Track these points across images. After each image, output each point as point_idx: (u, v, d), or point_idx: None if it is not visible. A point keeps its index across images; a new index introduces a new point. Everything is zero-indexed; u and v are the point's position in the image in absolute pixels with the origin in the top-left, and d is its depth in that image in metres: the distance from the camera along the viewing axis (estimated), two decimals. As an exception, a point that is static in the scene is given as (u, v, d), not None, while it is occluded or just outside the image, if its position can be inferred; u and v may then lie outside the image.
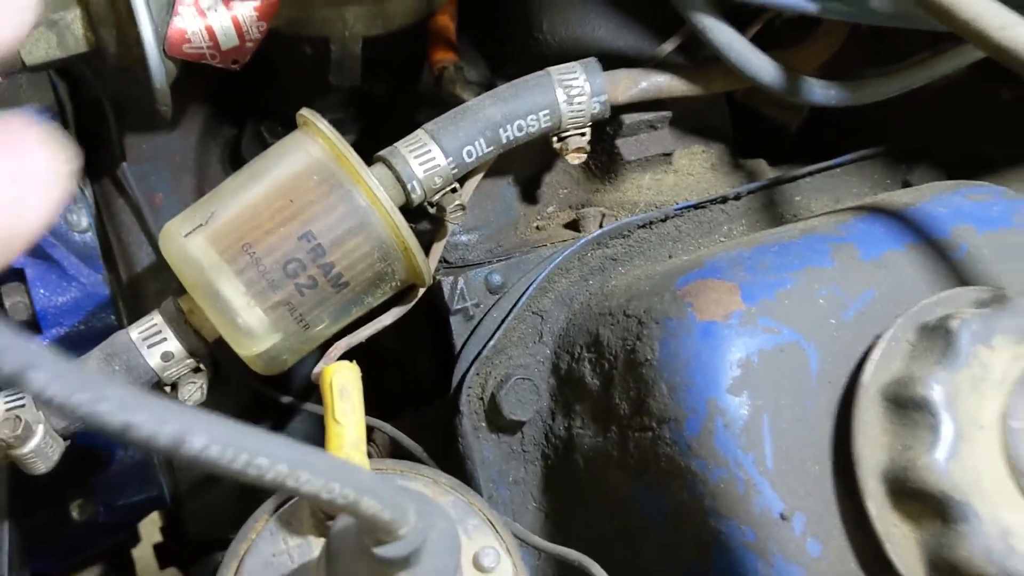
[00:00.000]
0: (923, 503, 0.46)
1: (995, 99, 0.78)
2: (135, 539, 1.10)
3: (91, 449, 0.83)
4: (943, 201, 0.60)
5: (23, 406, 0.54)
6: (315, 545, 0.48)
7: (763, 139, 0.76)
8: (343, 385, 0.47)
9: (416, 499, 0.38)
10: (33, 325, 0.77)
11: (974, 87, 0.76)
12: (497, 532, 0.51)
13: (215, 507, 0.87)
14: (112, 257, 0.78)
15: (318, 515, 0.48)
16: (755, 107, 0.74)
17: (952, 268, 0.56)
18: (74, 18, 0.66)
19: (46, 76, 0.77)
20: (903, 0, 0.52)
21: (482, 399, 0.62)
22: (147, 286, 0.77)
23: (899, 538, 0.47)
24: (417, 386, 0.76)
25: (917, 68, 0.67)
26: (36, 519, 0.84)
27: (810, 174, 0.71)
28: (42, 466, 0.54)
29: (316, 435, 0.57)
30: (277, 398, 0.74)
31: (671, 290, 0.55)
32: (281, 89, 0.81)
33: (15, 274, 0.76)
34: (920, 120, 0.76)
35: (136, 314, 0.62)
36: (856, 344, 0.52)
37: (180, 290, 0.58)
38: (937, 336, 0.49)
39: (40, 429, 0.53)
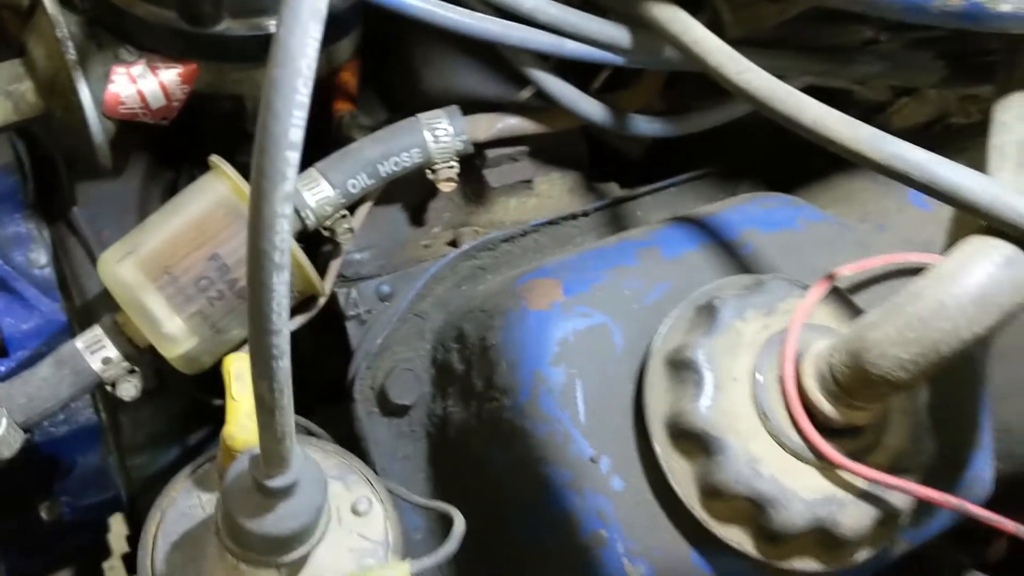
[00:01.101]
0: (693, 441, 0.59)
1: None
2: (106, 552, 1.21)
3: (54, 457, 0.95)
4: (737, 209, 0.74)
5: (-12, 405, 0.67)
6: None
7: (615, 167, 0.90)
8: (239, 370, 0.60)
9: (298, 451, 0.51)
10: (0, 349, 0.89)
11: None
12: (372, 485, 0.64)
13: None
14: (67, 288, 0.91)
15: (223, 475, 0.60)
16: (605, 140, 0.89)
17: (738, 263, 0.70)
18: (27, 88, 0.79)
19: (6, 137, 0.90)
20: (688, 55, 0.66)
21: (373, 388, 0.75)
22: (97, 310, 0.89)
23: (679, 471, 0.60)
24: (330, 385, 0.88)
25: (729, 104, 0.82)
26: (9, 521, 0.95)
27: (649, 192, 0.85)
28: (6, 452, 0.67)
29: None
30: (211, 402, 0.87)
31: (511, 288, 0.69)
32: (208, 138, 0.94)
33: (-22, 308, 0.89)
34: (749, 143, 0.91)
35: (87, 334, 0.74)
36: (653, 324, 0.65)
37: (118, 308, 0.71)
38: (705, 313, 0.62)
39: (3, 422, 0.66)
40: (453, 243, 0.83)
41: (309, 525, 0.54)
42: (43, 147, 0.92)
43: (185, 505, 0.61)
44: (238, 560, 0.55)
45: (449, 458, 0.74)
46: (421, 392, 0.75)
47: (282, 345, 0.42)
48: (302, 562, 0.57)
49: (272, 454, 0.48)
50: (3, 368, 0.90)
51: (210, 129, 0.92)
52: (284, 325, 0.41)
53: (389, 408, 0.75)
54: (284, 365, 0.43)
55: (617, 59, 0.72)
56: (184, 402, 0.92)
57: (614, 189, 0.88)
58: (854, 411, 0.57)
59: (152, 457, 0.93)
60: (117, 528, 1.13)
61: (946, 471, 0.69)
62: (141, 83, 0.80)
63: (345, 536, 0.61)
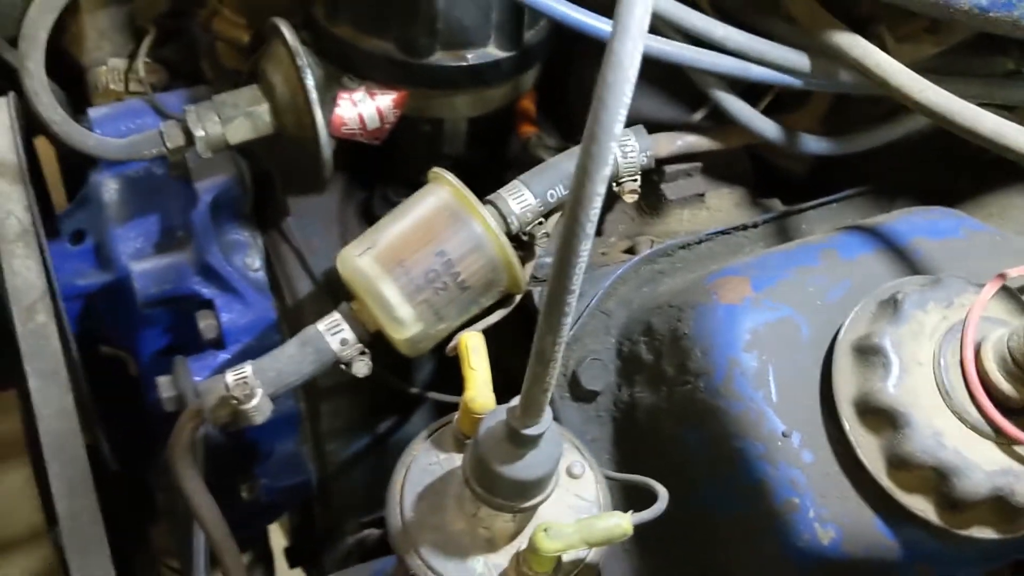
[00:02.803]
0: (880, 417, 0.66)
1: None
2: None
3: (255, 442, 1.06)
4: (906, 220, 0.81)
5: (246, 377, 0.77)
6: (456, 459, 0.69)
7: (779, 185, 0.98)
8: (474, 344, 0.69)
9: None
10: (219, 341, 1.01)
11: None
12: (582, 453, 0.72)
13: (352, 493, 1.08)
14: (279, 289, 1.02)
15: (459, 436, 0.69)
16: (769, 159, 0.97)
17: (910, 265, 0.77)
18: (264, 110, 0.91)
19: (231, 153, 1.02)
20: (859, 76, 0.74)
21: (565, 376, 0.84)
22: (306, 310, 1.00)
23: (866, 444, 0.67)
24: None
25: (888, 126, 0.89)
26: (216, 498, 1.06)
27: (812, 207, 0.92)
28: (259, 418, 0.77)
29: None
30: (405, 389, 0.96)
31: (702, 285, 0.77)
32: (402, 159, 1.05)
33: (207, 303, 1.01)
34: (904, 164, 0.97)
35: (296, 331, 0.84)
36: (838, 318, 0.72)
37: (347, 298, 0.81)
38: (888, 305, 0.69)
39: (259, 391, 0.76)
40: (630, 251, 0.92)
41: (550, 473, 0.62)
42: (260, 165, 1.05)
43: (425, 462, 0.70)
44: (481, 505, 0.64)
45: (636, 441, 0.82)
46: (608, 380, 0.84)
47: (573, 304, 0.51)
48: (533, 512, 0.66)
49: (534, 404, 0.57)
50: (222, 358, 1.02)
51: (403, 151, 1.03)
52: (578, 288, 0.50)
53: (579, 393, 0.84)
54: (567, 323, 0.52)
55: (797, 82, 0.81)
56: (376, 394, 1.01)
57: (777, 205, 0.95)
58: (1028, 387, 0.63)
59: (346, 443, 1.03)
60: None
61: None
62: (361, 107, 0.92)
63: (564, 495, 0.69)
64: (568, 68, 1.01)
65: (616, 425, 0.84)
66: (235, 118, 0.91)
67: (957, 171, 0.96)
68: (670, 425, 0.77)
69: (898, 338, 0.67)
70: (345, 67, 0.92)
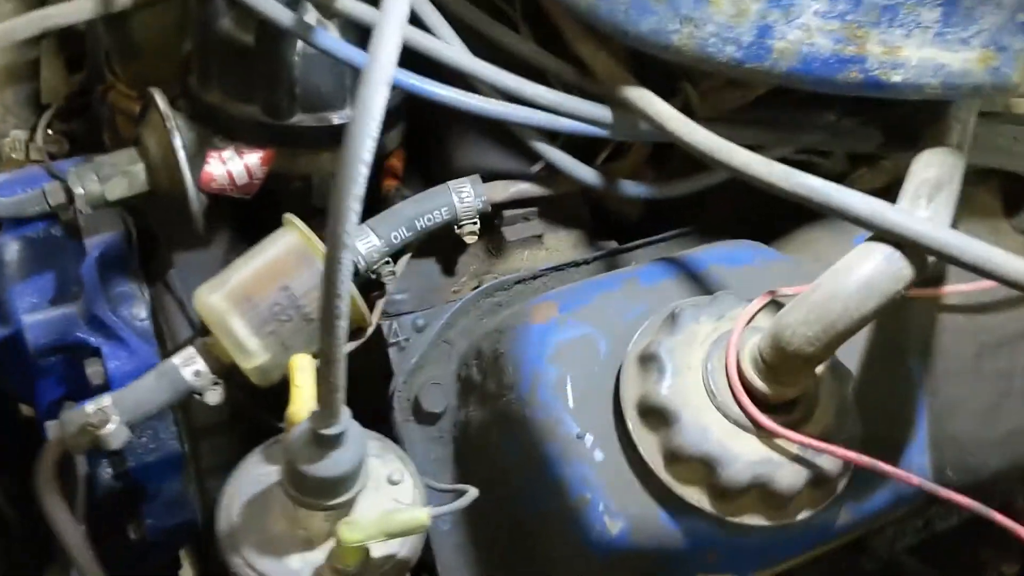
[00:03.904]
0: (656, 416, 0.74)
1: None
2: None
3: (142, 482, 1.12)
4: (707, 251, 0.91)
5: (105, 406, 0.84)
6: None
7: (615, 228, 1.07)
8: (302, 364, 0.77)
9: (346, 410, 0.67)
10: (105, 387, 1.08)
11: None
12: (404, 463, 0.79)
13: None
14: (162, 337, 1.10)
15: (289, 448, 0.77)
16: (606, 205, 1.07)
17: (704, 289, 0.86)
18: (140, 169, 1.00)
19: (118, 213, 1.11)
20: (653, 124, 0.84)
21: (409, 400, 0.92)
22: (187, 352, 1.07)
23: (646, 442, 0.75)
24: (374, 406, 1.05)
25: (705, 173, 1.00)
26: (101, 539, 1.11)
27: (640, 246, 1.02)
28: (114, 443, 0.84)
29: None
30: (273, 423, 1.03)
31: (520, 310, 0.86)
32: (279, 213, 1.13)
33: (94, 351, 1.08)
34: (728, 206, 1.07)
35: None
36: (631, 335, 0.81)
37: (208, 333, 0.89)
38: (669, 319, 0.78)
39: (116, 418, 0.84)
40: (476, 283, 1.01)
41: (353, 471, 0.69)
42: (146, 220, 1.13)
43: (256, 473, 0.77)
44: (296, 506, 0.71)
45: (470, 456, 0.89)
46: (448, 403, 0.91)
47: (343, 308, 0.59)
48: (346, 511, 0.73)
49: (328, 403, 0.65)
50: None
51: (283, 206, 1.12)
52: (346, 293, 0.59)
53: (422, 416, 0.91)
54: (343, 325, 0.60)
55: (603, 132, 0.91)
56: (251, 431, 1.08)
57: (612, 245, 1.05)
58: (782, 386, 0.72)
59: (226, 479, 1.09)
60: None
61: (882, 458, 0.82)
62: (230, 165, 1.01)
63: (382, 499, 0.76)
64: (433, 125, 1.11)
65: (456, 444, 0.91)
66: (112, 177, 1.00)
67: (775, 212, 1.06)
68: (494, 436, 0.85)
69: (672, 346, 0.76)
70: (217, 130, 1.01)
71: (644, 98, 0.84)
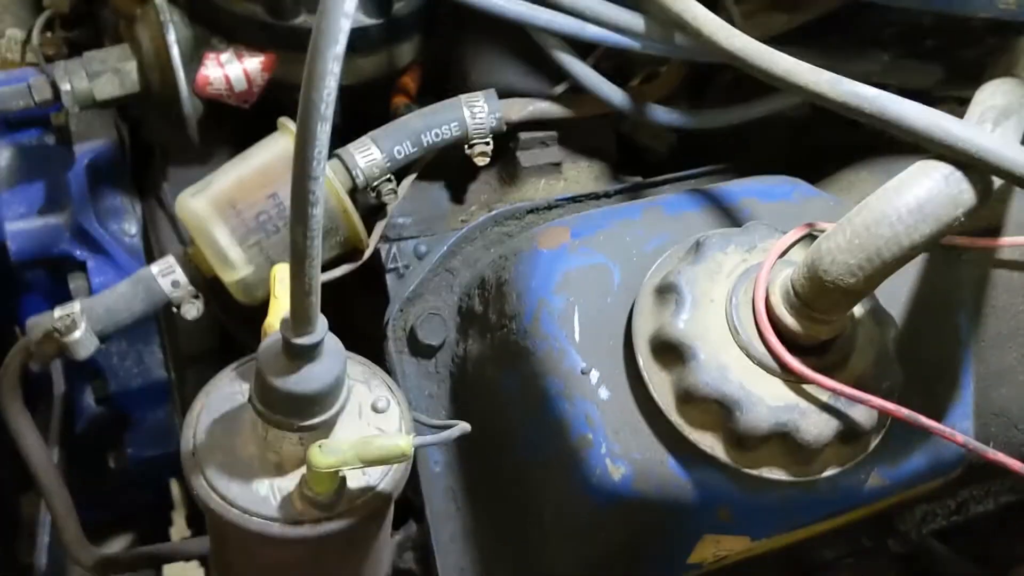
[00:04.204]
0: (671, 352, 0.66)
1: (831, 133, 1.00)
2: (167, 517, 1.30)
3: (125, 410, 1.06)
4: (740, 183, 0.83)
5: (72, 313, 0.78)
6: None
7: (643, 166, 0.99)
8: (282, 275, 0.69)
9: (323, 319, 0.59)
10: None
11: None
12: (391, 390, 0.72)
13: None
14: (152, 255, 1.03)
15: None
16: (634, 138, 0.98)
17: (734, 222, 0.78)
18: (131, 67, 0.93)
19: (112, 117, 1.04)
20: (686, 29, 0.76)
21: (404, 330, 0.84)
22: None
23: (658, 380, 0.67)
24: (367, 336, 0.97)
25: (745, 106, 0.91)
26: (80, 468, 1.06)
27: (668, 180, 0.93)
28: (83, 352, 0.78)
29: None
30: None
31: (528, 234, 0.78)
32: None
33: (79, 265, 1.02)
34: (769, 148, 0.99)
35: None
36: (650, 267, 0.73)
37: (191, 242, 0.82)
38: (694, 248, 0.70)
39: (83, 325, 0.77)
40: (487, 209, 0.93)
41: (328, 389, 0.62)
42: (141, 133, 1.07)
43: (228, 391, 0.70)
44: (266, 425, 0.64)
45: (466, 394, 0.82)
46: (447, 336, 0.84)
47: (317, 192, 0.51)
48: (322, 435, 0.66)
49: (300, 309, 0.57)
50: (90, 321, 1.03)
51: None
52: (321, 174, 0.51)
53: (417, 348, 0.84)
54: (317, 213, 0.52)
55: (634, 43, 0.82)
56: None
57: (638, 181, 0.96)
58: (815, 324, 0.63)
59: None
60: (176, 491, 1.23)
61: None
62: (228, 68, 0.94)
63: (364, 427, 0.69)
64: (451, 38, 1.03)
65: (452, 380, 0.84)
66: (102, 74, 0.93)
67: (822, 156, 0.97)
68: (491, 371, 0.78)
69: (693, 276, 0.68)
70: (216, 30, 0.94)
71: (681, 1, 0.75)
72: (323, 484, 0.63)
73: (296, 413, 0.63)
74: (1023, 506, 1.04)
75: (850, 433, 0.65)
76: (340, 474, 0.64)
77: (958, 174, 0.59)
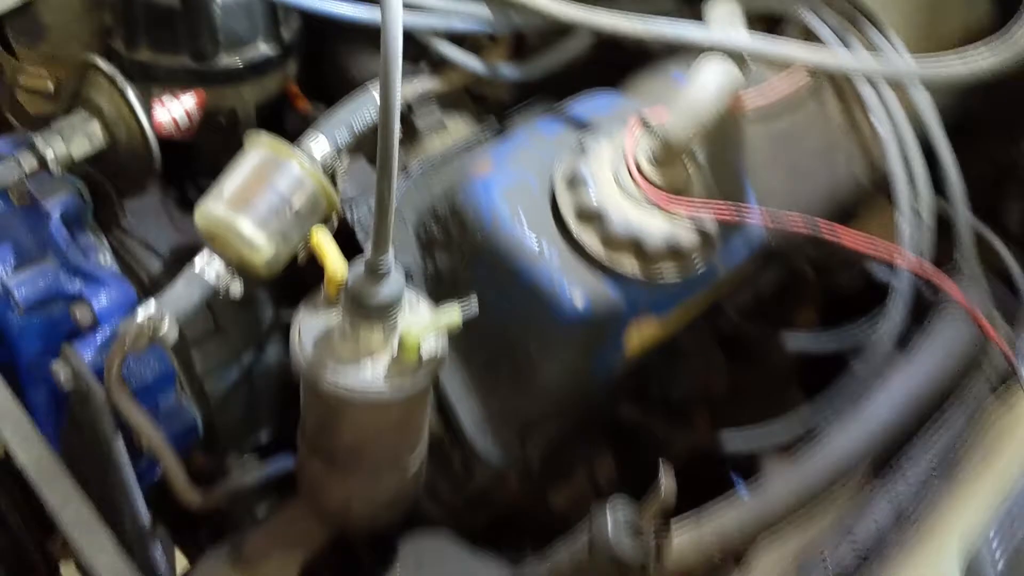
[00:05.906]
0: (591, 218, 1.03)
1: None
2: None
3: (143, 396, 1.28)
4: (584, 102, 1.20)
5: (155, 312, 1.03)
6: (331, 312, 0.98)
7: (493, 110, 1.35)
8: (319, 235, 0.99)
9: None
10: (95, 325, 1.23)
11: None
12: (416, 292, 1.04)
13: (234, 427, 1.33)
14: (133, 273, 1.26)
15: (327, 298, 0.99)
16: (483, 93, 1.34)
17: (590, 127, 1.16)
18: (96, 127, 1.16)
19: (65, 176, 1.24)
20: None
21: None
22: (163, 281, 1.24)
23: (586, 236, 1.04)
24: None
25: (553, 51, 1.29)
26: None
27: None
28: (171, 340, 1.03)
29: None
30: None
31: (462, 170, 1.12)
32: (203, 152, 1.31)
33: (77, 297, 1.23)
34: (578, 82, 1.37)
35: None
36: (551, 171, 1.09)
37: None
38: (579, 149, 1.07)
39: (168, 318, 1.02)
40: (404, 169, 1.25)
41: (402, 290, 0.94)
42: (95, 181, 1.28)
43: (311, 323, 0.99)
44: (358, 328, 0.94)
45: (446, 296, 1.15)
46: (414, 261, 1.16)
47: (395, 151, 0.82)
48: (395, 326, 0.97)
49: (382, 239, 0.88)
50: (100, 337, 1.24)
51: (204, 144, 1.30)
52: (397, 135, 0.81)
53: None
54: (394, 167, 0.83)
55: (487, 28, 1.18)
56: (239, 332, 1.28)
57: (494, 122, 1.32)
58: (665, 168, 1.03)
59: (221, 379, 1.28)
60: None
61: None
62: (173, 111, 1.19)
63: (413, 316, 1.01)
64: (324, 46, 1.32)
65: (428, 292, 1.17)
66: (74, 138, 1.15)
67: (617, 75, 1.37)
68: (463, 271, 1.11)
69: (588, 166, 1.05)
70: (152, 82, 1.18)
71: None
72: (412, 352, 0.95)
73: (380, 315, 0.94)
74: (795, 279, 1.51)
75: (705, 236, 1.06)
76: (419, 345, 0.96)
77: (729, 62, 1.00)
